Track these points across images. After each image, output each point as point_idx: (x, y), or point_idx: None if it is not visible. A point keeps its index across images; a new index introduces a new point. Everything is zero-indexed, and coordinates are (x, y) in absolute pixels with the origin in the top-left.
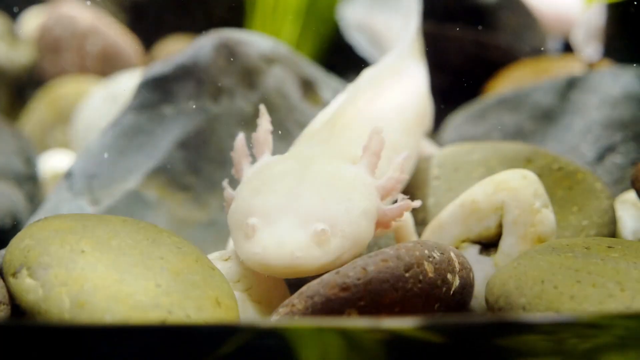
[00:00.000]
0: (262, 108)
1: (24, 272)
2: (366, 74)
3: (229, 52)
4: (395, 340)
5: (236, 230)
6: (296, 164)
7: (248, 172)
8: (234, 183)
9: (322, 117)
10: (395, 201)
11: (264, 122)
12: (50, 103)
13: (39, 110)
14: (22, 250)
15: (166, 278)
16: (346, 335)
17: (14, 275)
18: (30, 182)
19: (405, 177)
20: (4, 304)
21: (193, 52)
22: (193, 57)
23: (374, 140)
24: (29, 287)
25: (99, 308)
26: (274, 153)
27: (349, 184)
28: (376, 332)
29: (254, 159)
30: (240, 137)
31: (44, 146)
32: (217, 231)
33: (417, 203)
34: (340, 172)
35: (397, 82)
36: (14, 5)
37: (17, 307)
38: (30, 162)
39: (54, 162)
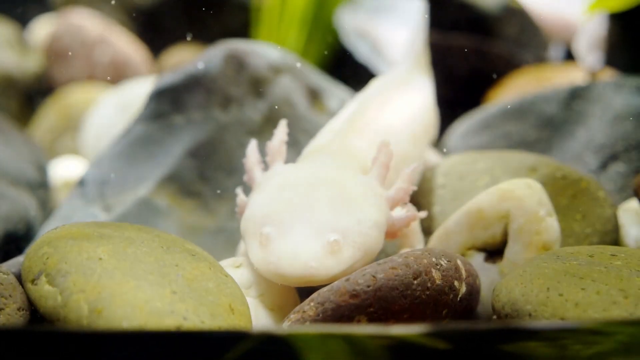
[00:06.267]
0: (283, 122)
1: (43, 278)
2: (374, 85)
3: (238, 62)
4: (399, 347)
5: (250, 238)
6: (308, 173)
7: (260, 179)
8: (246, 190)
9: (331, 127)
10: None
11: (280, 133)
12: (60, 110)
13: (48, 117)
14: (41, 258)
15: (181, 285)
16: (351, 341)
17: (33, 281)
18: (42, 189)
19: (413, 188)
20: (23, 310)
21: (203, 62)
22: (203, 67)
23: (382, 152)
24: (48, 294)
25: (116, 314)
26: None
27: (361, 195)
28: (381, 338)
29: (266, 166)
30: (253, 145)
31: (54, 153)
32: (226, 238)
33: (423, 214)
34: (352, 183)
35: (406, 93)
36: (24, 13)
37: (35, 313)
38: (41, 169)
39: (64, 169)
